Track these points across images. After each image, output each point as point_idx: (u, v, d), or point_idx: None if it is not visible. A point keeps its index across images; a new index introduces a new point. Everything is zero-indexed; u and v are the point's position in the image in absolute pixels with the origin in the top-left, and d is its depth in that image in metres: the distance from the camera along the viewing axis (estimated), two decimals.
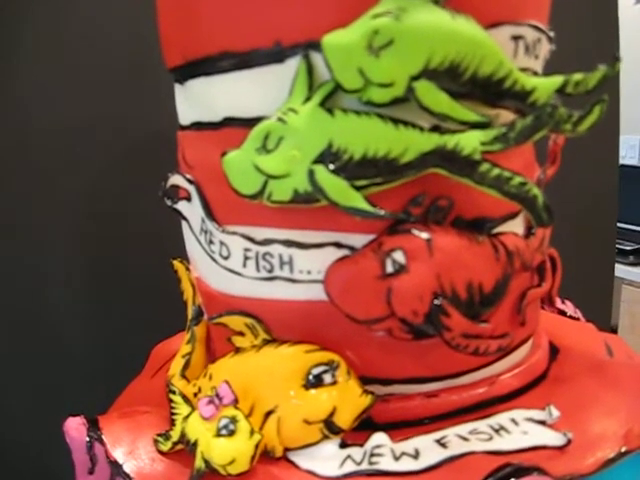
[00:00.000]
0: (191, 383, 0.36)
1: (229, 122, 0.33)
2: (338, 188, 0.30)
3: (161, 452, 0.35)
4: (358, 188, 0.30)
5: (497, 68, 0.30)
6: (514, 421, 0.33)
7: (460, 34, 0.29)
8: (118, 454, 0.35)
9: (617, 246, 1.04)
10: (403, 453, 0.31)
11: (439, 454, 0.31)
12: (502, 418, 0.33)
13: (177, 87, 0.37)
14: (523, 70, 0.33)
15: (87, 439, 0.36)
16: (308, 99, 0.30)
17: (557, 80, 0.31)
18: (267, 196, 0.31)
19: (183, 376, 0.37)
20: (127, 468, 0.34)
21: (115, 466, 0.35)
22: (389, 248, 0.31)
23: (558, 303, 0.55)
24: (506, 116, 0.32)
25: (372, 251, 0.31)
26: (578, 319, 0.52)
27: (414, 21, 0.28)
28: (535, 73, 0.35)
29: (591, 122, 0.32)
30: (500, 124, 0.30)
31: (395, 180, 0.30)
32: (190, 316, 0.39)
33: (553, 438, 0.32)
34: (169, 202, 0.39)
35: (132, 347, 0.49)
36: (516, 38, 0.32)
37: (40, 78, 0.62)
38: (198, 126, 0.36)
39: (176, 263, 0.41)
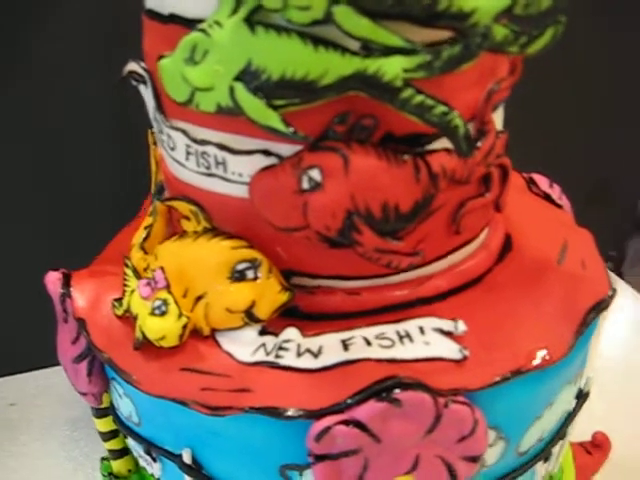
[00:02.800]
0: (144, 257, 0.39)
1: (173, 19, 0.33)
2: (256, 106, 0.30)
3: (115, 315, 0.39)
4: (277, 107, 0.30)
5: None
6: (421, 329, 0.35)
7: None
8: (82, 311, 0.40)
9: None
10: (307, 350, 0.34)
11: (338, 356, 0.34)
12: (411, 325, 0.35)
13: None
14: None
15: (60, 294, 0.41)
16: (235, 11, 0.30)
17: (503, 1, 0.30)
18: (195, 105, 0.32)
19: (142, 248, 0.40)
20: (88, 325, 0.39)
21: (79, 321, 0.40)
22: (307, 165, 0.32)
23: (545, 186, 0.54)
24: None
25: (291, 166, 0.32)
26: (561, 206, 0.52)
27: None
28: None
29: (542, 45, 0.31)
30: (426, 51, 0.29)
31: (314, 101, 0.30)
32: (152, 191, 0.42)
33: (451, 351, 0.34)
34: (133, 81, 0.40)
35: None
36: None
37: None
38: (151, 15, 0.35)
39: (149, 134, 0.43)
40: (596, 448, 0.58)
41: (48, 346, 0.74)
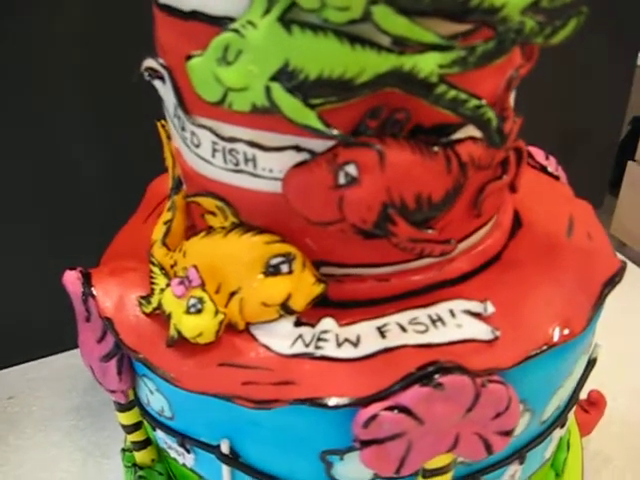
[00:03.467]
0: (169, 255, 0.39)
1: (196, 16, 0.33)
2: (293, 106, 0.31)
3: (144, 313, 0.39)
4: (313, 105, 0.31)
5: None
6: (452, 312, 0.36)
7: None
8: (108, 311, 0.40)
9: None
10: (346, 339, 0.35)
11: (377, 344, 0.35)
12: (441, 308, 0.37)
13: None
14: None
15: (82, 293, 0.41)
16: (268, 11, 0.30)
17: None
18: (228, 105, 0.32)
19: (164, 243, 0.40)
20: (115, 324, 0.39)
21: (106, 321, 0.40)
22: (343, 161, 0.32)
23: (541, 158, 0.56)
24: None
25: (327, 162, 0.32)
26: (558, 177, 0.53)
27: None
28: None
29: (565, 35, 0.32)
30: (461, 47, 0.30)
31: (350, 98, 0.31)
32: (170, 185, 0.42)
33: (483, 332, 0.35)
34: (147, 76, 0.39)
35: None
36: None
37: None
38: (169, 10, 0.35)
39: (160, 127, 0.43)
40: (592, 406, 0.61)
41: (39, 337, 0.74)
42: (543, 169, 0.54)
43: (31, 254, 0.73)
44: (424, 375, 0.32)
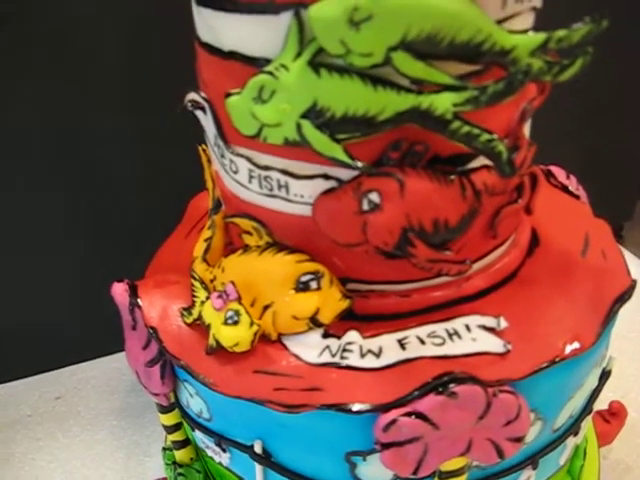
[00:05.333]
0: (209, 270, 0.43)
1: (234, 56, 0.36)
2: (321, 141, 0.34)
3: (185, 323, 0.43)
4: (340, 140, 0.34)
5: (474, 35, 0.32)
6: (467, 327, 0.39)
7: (436, 9, 0.30)
8: (153, 320, 0.44)
9: None
10: (369, 351, 0.39)
11: (397, 355, 0.38)
12: (458, 323, 0.40)
13: (193, 3, 0.40)
14: (512, 17, 0.35)
15: (129, 304, 0.45)
16: (299, 55, 0.33)
17: (539, 37, 0.33)
18: (263, 138, 0.35)
19: (204, 259, 0.44)
20: (160, 333, 0.43)
21: (151, 330, 0.44)
22: (367, 189, 0.35)
23: (562, 177, 0.58)
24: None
25: (352, 190, 0.36)
26: (578, 197, 0.56)
27: None
28: (533, 9, 0.37)
29: (572, 73, 0.34)
30: (473, 87, 0.33)
31: (373, 134, 0.34)
32: (210, 205, 0.46)
33: (496, 346, 0.38)
34: (190, 107, 0.43)
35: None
36: None
37: None
38: (210, 49, 0.39)
39: (201, 152, 0.47)
40: (613, 416, 0.63)
41: (86, 340, 0.79)
42: (564, 188, 0.56)
43: (78, 263, 0.78)
44: (439, 384, 0.35)
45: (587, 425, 0.51)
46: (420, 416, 0.35)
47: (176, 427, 0.51)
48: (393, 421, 0.35)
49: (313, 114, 0.33)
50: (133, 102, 0.72)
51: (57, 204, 0.75)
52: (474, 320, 0.40)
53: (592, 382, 0.45)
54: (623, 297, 0.42)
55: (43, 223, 0.74)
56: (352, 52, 0.31)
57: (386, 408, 0.36)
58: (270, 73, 0.34)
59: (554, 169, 0.58)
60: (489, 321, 0.40)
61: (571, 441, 0.47)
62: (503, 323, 0.39)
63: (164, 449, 0.55)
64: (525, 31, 0.34)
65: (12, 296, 0.77)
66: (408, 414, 0.35)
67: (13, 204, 0.73)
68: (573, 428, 0.46)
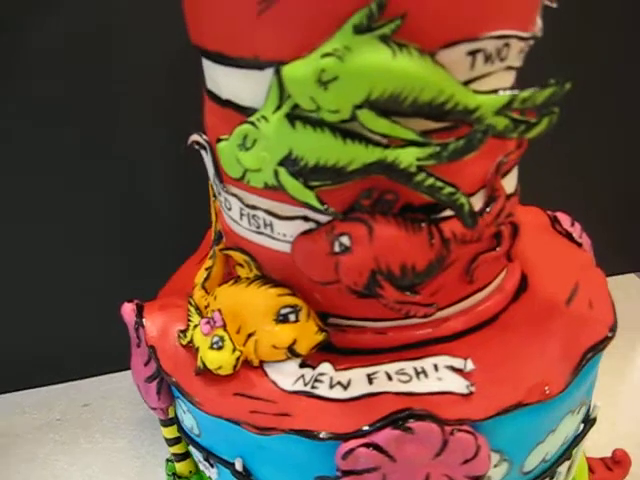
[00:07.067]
0: (205, 296, 0.47)
1: (229, 104, 0.40)
2: (296, 187, 0.37)
3: (181, 344, 0.47)
4: (312, 187, 0.37)
5: (437, 95, 0.34)
6: (436, 367, 0.41)
7: (398, 71, 0.33)
8: (153, 340, 0.48)
9: None
10: (338, 382, 0.41)
11: (363, 388, 0.40)
12: (427, 362, 0.42)
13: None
14: (483, 77, 0.37)
15: (135, 323, 0.49)
16: (279, 107, 0.36)
17: (503, 98, 0.35)
18: (247, 181, 0.39)
19: (203, 287, 0.48)
20: (158, 352, 0.47)
21: (150, 348, 0.47)
22: (339, 232, 0.38)
23: (567, 225, 0.59)
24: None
25: (326, 232, 0.39)
26: (580, 244, 0.57)
27: (355, 62, 0.33)
28: (509, 68, 0.39)
29: (539, 131, 0.36)
30: (436, 143, 0.35)
31: (343, 182, 0.37)
32: (213, 237, 0.49)
33: (460, 386, 0.40)
34: (195, 146, 0.47)
35: None
36: (473, 52, 0.36)
37: None
38: (211, 95, 0.42)
39: (210, 186, 0.51)
40: (616, 464, 0.63)
41: (116, 352, 0.83)
42: (568, 235, 0.57)
43: (114, 280, 0.83)
44: (397, 419, 0.38)
45: (574, 470, 0.52)
46: (377, 448, 0.38)
47: (176, 440, 0.55)
48: (351, 450, 0.38)
49: (289, 162, 0.37)
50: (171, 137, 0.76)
51: (95, 221, 0.80)
52: (443, 360, 0.42)
53: (568, 428, 0.46)
54: (596, 347, 0.43)
55: (80, 240, 0.80)
56: (322, 108, 0.35)
57: (346, 437, 0.38)
58: (252, 123, 0.37)
59: (560, 216, 0.59)
60: (457, 362, 0.41)
61: None
62: (470, 365, 0.41)
63: (167, 460, 0.59)
64: (495, 91, 0.36)
65: (52, 308, 0.82)
66: (366, 445, 0.38)
67: (51, 220, 0.78)
68: (549, 472, 0.47)
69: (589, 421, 0.50)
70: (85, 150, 0.75)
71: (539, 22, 0.40)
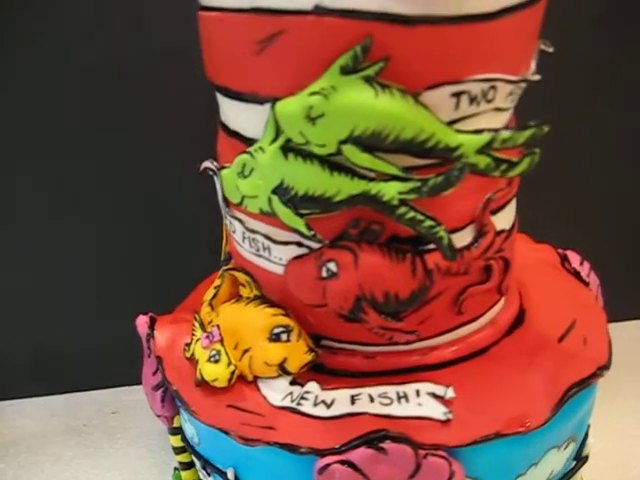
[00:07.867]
0: (209, 313, 0.50)
1: (235, 135, 0.43)
2: (287, 214, 0.40)
3: (185, 356, 0.50)
4: (302, 215, 0.40)
5: (418, 134, 0.36)
6: (417, 392, 0.43)
7: (379, 110, 0.36)
8: (161, 351, 0.51)
9: None
10: (322, 401, 0.43)
11: (345, 408, 0.42)
12: (410, 388, 0.43)
13: None
14: (469, 117, 0.39)
15: (146, 334, 0.52)
16: (275, 140, 0.39)
17: (484, 137, 0.37)
18: (244, 207, 0.42)
19: (210, 304, 0.51)
20: (164, 362, 0.50)
21: (158, 359, 0.50)
22: (326, 258, 0.41)
23: (576, 263, 0.60)
24: None
25: (315, 258, 0.41)
26: (587, 283, 0.58)
27: (340, 100, 0.36)
28: (497, 110, 0.41)
29: (520, 171, 0.38)
30: (417, 179, 0.38)
31: (330, 212, 0.39)
32: (222, 258, 0.52)
33: (438, 413, 0.42)
34: (209, 172, 0.50)
35: None
36: (457, 94, 0.38)
37: None
38: (222, 126, 0.46)
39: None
40: None
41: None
42: (576, 274, 0.58)
43: (142, 294, 0.87)
44: (372, 439, 0.39)
45: None
46: (352, 465, 0.40)
47: (182, 449, 0.57)
48: (327, 465, 0.40)
49: (281, 191, 0.39)
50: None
51: (123, 235, 0.84)
52: (426, 387, 0.43)
53: (553, 464, 0.47)
54: (581, 383, 0.44)
55: (112, 253, 0.84)
56: (310, 142, 0.37)
57: (323, 454, 0.40)
58: (250, 153, 0.40)
59: (570, 254, 0.60)
60: (438, 389, 0.43)
61: None
62: (450, 393, 0.42)
63: (175, 469, 0.61)
64: (480, 130, 0.38)
65: (88, 320, 0.86)
66: (341, 462, 0.40)
67: (84, 234, 0.83)
68: None
69: (581, 459, 0.50)
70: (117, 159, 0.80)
71: (533, 65, 0.42)
